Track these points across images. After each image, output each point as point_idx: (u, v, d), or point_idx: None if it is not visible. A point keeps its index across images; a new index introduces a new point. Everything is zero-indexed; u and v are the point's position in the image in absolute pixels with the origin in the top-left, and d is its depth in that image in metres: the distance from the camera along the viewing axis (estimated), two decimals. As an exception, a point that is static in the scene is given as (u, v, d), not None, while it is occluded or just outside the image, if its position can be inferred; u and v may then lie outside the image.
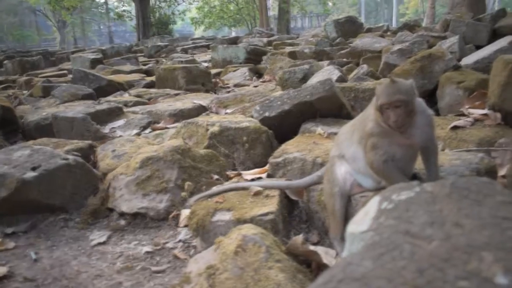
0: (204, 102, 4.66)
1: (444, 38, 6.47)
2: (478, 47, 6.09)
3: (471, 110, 3.16)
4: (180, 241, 2.20)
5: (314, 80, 4.49)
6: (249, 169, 2.78)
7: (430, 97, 3.81)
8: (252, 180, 2.44)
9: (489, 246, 0.72)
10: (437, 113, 3.62)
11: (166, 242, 2.21)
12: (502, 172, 2.31)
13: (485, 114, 3.04)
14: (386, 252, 0.74)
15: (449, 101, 3.59)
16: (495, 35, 7.50)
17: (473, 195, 0.88)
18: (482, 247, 0.72)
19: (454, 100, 3.54)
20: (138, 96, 5.64)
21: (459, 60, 4.63)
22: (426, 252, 0.73)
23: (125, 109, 4.54)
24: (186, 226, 2.26)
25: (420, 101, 1.74)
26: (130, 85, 6.66)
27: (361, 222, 0.90)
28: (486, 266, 0.68)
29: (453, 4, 12.08)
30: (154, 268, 1.99)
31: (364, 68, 5.06)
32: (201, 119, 3.25)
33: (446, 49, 4.62)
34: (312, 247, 1.77)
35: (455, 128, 2.92)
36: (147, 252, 2.13)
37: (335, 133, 2.61)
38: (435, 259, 0.71)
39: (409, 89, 1.63)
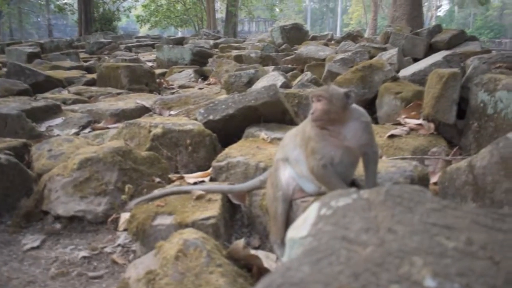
0: (147, 103, 4.58)
1: (385, 49, 6.75)
2: (416, 60, 6.42)
3: (407, 120, 3.33)
4: (119, 245, 2.15)
5: (259, 85, 4.54)
6: (192, 172, 2.76)
7: (370, 106, 3.97)
8: (195, 183, 2.43)
9: (419, 251, 0.77)
10: (376, 122, 3.78)
11: (104, 247, 2.14)
12: (434, 179, 2.45)
13: (420, 124, 3.22)
14: (324, 258, 0.77)
15: (387, 111, 3.76)
16: (431, 49, 7.95)
17: (406, 202, 0.93)
18: (413, 252, 0.77)
19: (391, 110, 3.71)
20: (78, 93, 5.44)
21: (398, 71, 4.85)
22: (361, 257, 0.76)
23: (63, 107, 4.37)
24: (125, 230, 2.20)
25: (357, 109, 1.82)
26: (69, 82, 6.41)
27: (300, 227, 0.92)
28: (416, 270, 0.72)
29: (393, 17, 12.64)
30: (91, 274, 1.92)
31: (308, 75, 5.18)
32: (144, 120, 3.18)
33: (386, 61, 4.82)
34: (253, 251, 1.79)
35: (392, 136, 3.06)
36: (84, 257, 2.05)
37: (279, 138, 2.66)
38: (369, 264, 0.74)
39: (335, 93, 1.74)
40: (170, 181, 2.62)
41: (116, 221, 2.31)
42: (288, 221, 1.89)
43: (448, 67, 4.18)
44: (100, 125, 3.89)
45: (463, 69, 4.20)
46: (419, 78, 4.31)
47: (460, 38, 8.60)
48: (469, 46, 8.07)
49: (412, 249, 0.77)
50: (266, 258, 1.78)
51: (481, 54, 5.44)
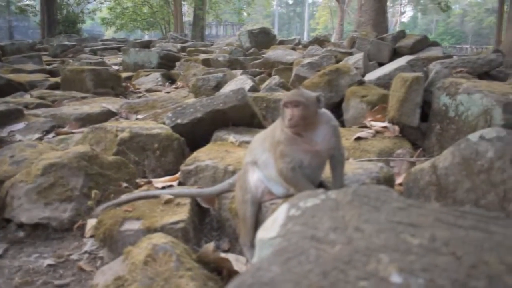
0: (113, 107, 4.51)
1: (351, 54, 6.88)
2: (381, 64, 6.57)
3: (373, 123, 3.41)
4: (85, 252, 2.10)
5: (227, 88, 4.54)
6: (160, 176, 2.73)
7: (337, 109, 4.03)
8: (163, 188, 2.40)
9: (386, 249, 0.79)
10: (343, 125, 3.84)
11: (71, 254, 2.09)
12: (399, 180, 2.51)
13: (385, 127, 3.30)
14: (293, 257, 0.78)
15: (353, 114, 3.83)
16: (395, 53, 8.17)
17: (372, 202, 0.95)
18: (380, 249, 0.79)
19: (358, 113, 3.78)
20: (41, 97, 5.29)
21: (363, 75, 4.95)
22: (330, 256, 0.77)
23: (26, 112, 4.24)
24: (92, 236, 2.16)
25: (326, 113, 1.85)
26: (32, 86, 6.23)
27: (270, 228, 0.93)
28: (383, 266, 0.74)
29: (359, 23, 12.90)
30: (57, 282, 1.87)
31: (276, 79, 5.22)
32: (110, 125, 3.13)
33: (352, 65, 4.92)
34: (223, 255, 1.78)
35: (358, 139, 3.12)
36: (49, 265, 2.00)
37: (247, 142, 2.67)
38: (338, 262, 0.76)
39: (310, 97, 1.76)
40: (138, 186, 2.59)
41: (82, 227, 2.26)
42: (257, 223, 1.90)
43: (412, 72, 4.30)
44: (65, 129, 3.80)
45: (426, 74, 4.33)
46: (384, 82, 4.41)
47: (423, 43, 8.87)
48: (432, 51, 8.33)
49: (378, 246, 0.79)
50: (236, 261, 1.78)
51: (443, 59, 5.62)
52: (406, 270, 0.73)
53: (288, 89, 4.81)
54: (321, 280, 0.70)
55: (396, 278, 0.71)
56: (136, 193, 2.32)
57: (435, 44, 9.42)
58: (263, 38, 11.71)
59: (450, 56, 7.35)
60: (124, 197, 2.24)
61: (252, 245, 1.85)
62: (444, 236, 0.83)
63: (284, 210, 0.95)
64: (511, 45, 9.46)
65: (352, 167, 2.23)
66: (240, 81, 4.84)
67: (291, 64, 6.72)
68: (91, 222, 2.22)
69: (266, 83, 5.32)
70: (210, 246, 1.75)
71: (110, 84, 5.97)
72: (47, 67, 9.04)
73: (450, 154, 2.00)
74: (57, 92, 5.71)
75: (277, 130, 1.82)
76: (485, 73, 5.17)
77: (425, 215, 0.90)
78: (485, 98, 2.67)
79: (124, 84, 6.41)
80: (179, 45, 13.44)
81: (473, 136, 1.96)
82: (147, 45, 14.31)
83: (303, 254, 0.78)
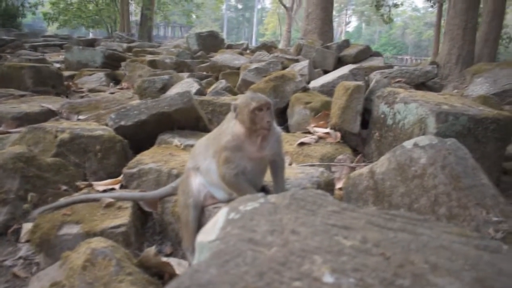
0: (53, 106, 4.34)
1: (297, 61, 7.03)
2: (326, 72, 6.77)
3: (316, 129, 3.51)
4: (20, 258, 2.02)
5: (173, 91, 4.51)
6: (101, 179, 2.66)
7: (282, 115, 4.11)
8: (104, 191, 2.35)
9: (320, 250, 0.83)
10: (287, 130, 3.93)
11: (4, 260, 2.00)
12: (339, 185, 2.60)
13: (328, 133, 3.40)
14: (231, 259, 0.80)
15: (297, 120, 3.92)
16: (340, 62, 8.43)
17: (309, 206, 0.99)
18: (314, 251, 0.82)
19: (302, 119, 3.88)
20: (-26, 95, 5.01)
21: (308, 82, 5.08)
22: (266, 258, 0.80)
23: (-44, 109, 4.00)
24: (28, 241, 2.07)
25: None
26: (-36, 83, 5.87)
27: (210, 232, 0.94)
28: (317, 267, 0.78)
29: (306, 31, 13.16)
30: (-13, 289, 1.79)
31: (223, 83, 5.24)
32: (50, 125, 3.02)
33: (297, 72, 5.03)
34: (164, 259, 1.78)
35: (301, 144, 3.20)
36: (-20, 271, 1.90)
37: (192, 145, 2.66)
38: (273, 263, 0.78)
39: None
40: (78, 189, 2.51)
41: (17, 232, 2.17)
42: (199, 227, 1.90)
43: (354, 80, 4.46)
44: (1, 129, 3.61)
45: (367, 82, 4.51)
46: (328, 90, 4.55)
47: (366, 53, 9.21)
48: (374, 61, 8.66)
49: (313, 248, 0.82)
50: (178, 265, 1.78)
51: (383, 69, 5.88)
52: (338, 270, 0.77)
53: (234, 94, 4.84)
54: (257, 281, 0.73)
55: (328, 278, 0.74)
56: (76, 196, 2.25)
57: (377, 54, 9.81)
58: (211, 42, 11.70)
59: (391, 66, 7.68)
60: (62, 200, 2.17)
61: (194, 249, 1.85)
62: (374, 238, 0.88)
63: (224, 214, 0.97)
64: (446, 58, 10.00)
65: (294, 171, 2.28)
66: (186, 84, 4.82)
67: (239, 68, 6.76)
68: (27, 226, 2.14)
69: (213, 87, 5.33)
70: (152, 250, 1.73)
71: (51, 82, 5.75)
72: (-18, 62, 8.56)
73: (386, 160, 2.10)
74: (-8, 89, 5.42)
75: (223, 135, 1.83)
76: (422, 83, 5.46)
77: (357, 218, 0.95)
78: (420, 108, 2.83)
79: (66, 83, 6.19)
80: (125, 45, 13.14)
81: (408, 144, 2.07)
82: (91, 43, 13.90)
83: (240, 256, 0.80)
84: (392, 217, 0.97)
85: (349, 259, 0.80)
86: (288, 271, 0.76)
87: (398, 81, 5.00)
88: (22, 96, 5.12)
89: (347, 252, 0.82)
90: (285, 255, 0.80)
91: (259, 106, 1.74)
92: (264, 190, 1.96)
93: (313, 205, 0.98)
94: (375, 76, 4.59)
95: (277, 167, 1.93)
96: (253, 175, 1.84)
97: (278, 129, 1.92)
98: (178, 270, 1.72)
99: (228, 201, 1.90)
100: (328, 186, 2.22)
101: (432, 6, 25.77)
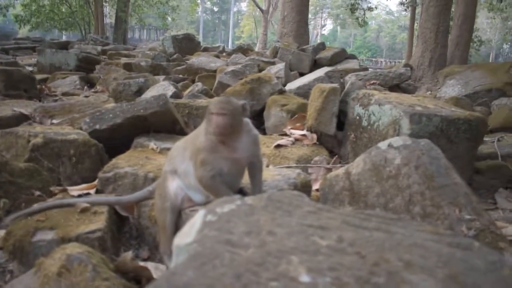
0: (26, 110, 4.25)
1: (273, 63, 7.06)
2: (302, 74, 6.83)
3: (293, 131, 3.53)
4: (-8, 265, 1.97)
5: (149, 94, 4.48)
6: (76, 184, 2.62)
7: (258, 117, 4.12)
8: (79, 196, 2.31)
9: (296, 250, 0.84)
10: (264, 132, 3.94)
11: (-26, 268, 1.95)
12: (316, 186, 2.62)
13: (304, 135, 3.43)
14: (208, 261, 0.80)
15: (274, 122, 3.94)
16: (316, 64, 8.52)
17: (285, 207, 1.00)
18: (291, 251, 0.83)
19: (278, 121, 3.90)
20: None
21: (284, 85, 5.12)
22: (243, 259, 0.81)
23: None
24: (1, 248, 2.02)
25: (247, 121, 1.89)
26: None
27: (186, 234, 0.94)
28: (293, 267, 0.78)
29: (282, 33, 13.26)
30: (-43, 299, 1.74)
31: (199, 85, 5.23)
32: (22, 129, 2.96)
33: (273, 74, 5.06)
34: (142, 263, 1.76)
35: (278, 146, 3.21)
36: (-51, 281, 1.85)
37: (168, 149, 2.64)
38: (250, 264, 0.79)
39: (236, 106, 1.78)
40: (52, 194, 2.46)
41: (-12, 239, 2.11)
42: (177, 231, 1.88)
43: (330, 82, 4.52)
44: (-30, 134, 3.52)
45: (342, 85, 4.56)
46: (304, 92, 4.60)
47: (341, 55, 9.32)
48: (349, 64, 8.78)
49: (289, 248, 0.83)
50: (156, 269, 1.76)
51: (359, 72, 5.96)
52: (314, 270, 0.77)
53: (211, 96, 4.84)
54: (234, 283, 0.73)
55: (305, 278, 0.75)
56: (50, 201, 2.21)
57: (352, 56, 9.95)
58: (187, 44, 11.66)
59: (366, 69, 7.81)
60: (36, 206, 2.13)
61: (172, 253, 1.84)
62: (350, 237, 0.89)
63: (201, 216, 0.97)
64: (419, 60, 10.23)
65: (271, 173, 2.29)
66: (162, 87, 4.78)
67: (215, 71, 6.76)
68: (-1, 233, 2.08)
69: (189, 89, 5.31)
70: (128, 255, 1.72)
71: (23, 86, 5.62)
72: (-50, 66, 8.32)
73: (362, 161, 2.13)
74: (-39, 93, 5.28)
75: (199, 137, 1.83)
76: (396, 85, 5.56)
77: (333, 218, 0.96)
78: (394, 109, 2.87)
79: (38, 86, 6.07)
80: (99, 48, 12.98)
81: (383, 144, 2.10)
82: (64, 46, 13.66)
83: (218, 258, 0.80)
84: (367, 216, 0.99)
85: (325, 259, 0.81)
86: (265, 271, 0.76)
87: (373, 83, 5.08)
88: (-7, 100, 5.00)
89: (323, 251, 0.83)
90: (262, 256, 0.80)
91: (212, 112, 1.73)
92: (242, 192, 1.96)
93: (289, 206, 0.99)
94: (350, 79, 4.65)
95: (255, 169, 1.93)
96: (230, 177, 1.84)
97: (254, 131, 1.92)
98: (155, 274, 1.71)
99: (205, 203, 1.89)
100: (305, 187, 2.24)
101: (405, 10, 26.26)
